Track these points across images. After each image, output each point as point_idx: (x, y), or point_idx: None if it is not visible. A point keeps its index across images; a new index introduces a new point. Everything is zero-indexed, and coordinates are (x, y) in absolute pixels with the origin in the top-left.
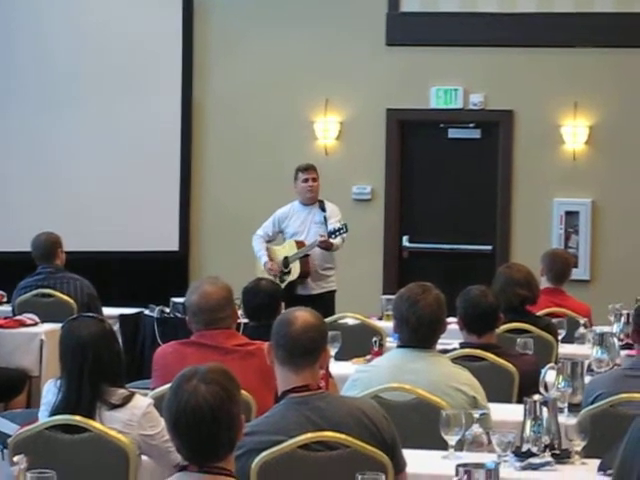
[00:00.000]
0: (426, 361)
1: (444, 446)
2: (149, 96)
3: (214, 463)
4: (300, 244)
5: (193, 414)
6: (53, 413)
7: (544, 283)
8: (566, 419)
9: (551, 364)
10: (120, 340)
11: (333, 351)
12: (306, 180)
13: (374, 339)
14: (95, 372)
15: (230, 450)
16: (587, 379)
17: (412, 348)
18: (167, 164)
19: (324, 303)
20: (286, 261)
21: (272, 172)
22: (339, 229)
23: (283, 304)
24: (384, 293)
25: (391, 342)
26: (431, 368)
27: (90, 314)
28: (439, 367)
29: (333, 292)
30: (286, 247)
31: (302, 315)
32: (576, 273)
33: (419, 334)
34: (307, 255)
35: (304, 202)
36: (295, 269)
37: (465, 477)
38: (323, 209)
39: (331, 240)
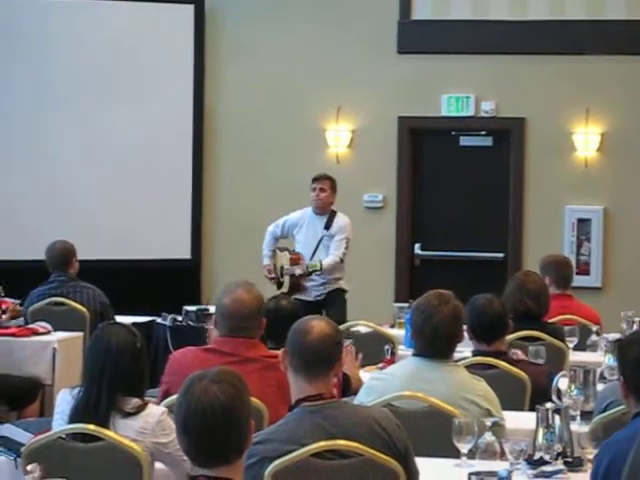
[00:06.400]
0: (441, 371)
1: (457, 454)
2: (161, 104)
3: (223, 466)
4: (294, 260)
5: (204, 413)
6: (72, 415)
7: (552, 290)
8: (578, 427)
9: (563, 372)
10: None
11: None
12: (314, 189)
13: (386, 347)
14: (114, 380)
15: (239, 455)
16: (599, 387)
17: (428, 358)
18: (179, 171)
19: (332, 300)
20: (282, 271)
21: (284, 180)
22: (313, 267)
23: None
24: (396, 301)
25: (403, 350)
26: (445, 378)
27: (126, 324)
28: (454, 377)
29: (343, 291)
30: (283, 258)
31: (318, 324)
32: (588, 281)
33: (434, 346)
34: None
35: (314, 211)
36: (286, 283)
37: None
38: (328, 226)
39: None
